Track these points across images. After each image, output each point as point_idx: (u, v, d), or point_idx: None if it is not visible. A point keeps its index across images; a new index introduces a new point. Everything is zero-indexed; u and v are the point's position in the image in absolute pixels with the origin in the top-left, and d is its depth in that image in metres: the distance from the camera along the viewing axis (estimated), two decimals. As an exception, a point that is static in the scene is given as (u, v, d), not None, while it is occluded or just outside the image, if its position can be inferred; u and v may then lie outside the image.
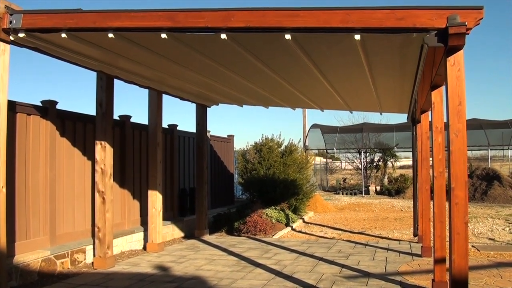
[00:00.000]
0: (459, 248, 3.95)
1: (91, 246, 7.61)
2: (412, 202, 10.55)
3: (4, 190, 5.32)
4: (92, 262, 7.43)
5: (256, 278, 6.52)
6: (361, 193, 24.86)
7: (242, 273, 6.85)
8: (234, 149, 15.87)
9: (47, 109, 7.16)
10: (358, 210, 16.74)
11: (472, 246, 8.90)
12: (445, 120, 4.47)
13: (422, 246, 7.77)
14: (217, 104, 11.15)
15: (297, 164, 14.43)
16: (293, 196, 13.89)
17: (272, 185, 13.38)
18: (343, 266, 7.20)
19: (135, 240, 8.97)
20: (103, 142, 7.45)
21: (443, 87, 5.15)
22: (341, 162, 39.70)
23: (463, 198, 4.04)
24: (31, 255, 6.49)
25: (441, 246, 5.50)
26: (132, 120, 9.43)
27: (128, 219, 9.14)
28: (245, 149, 15.13)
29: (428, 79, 5.87)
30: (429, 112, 7.10)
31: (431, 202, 6.66)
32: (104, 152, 7.44)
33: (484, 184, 20.97)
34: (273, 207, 12.58)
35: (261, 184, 13.52)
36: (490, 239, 9.93)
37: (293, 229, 11.90)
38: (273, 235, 10.80)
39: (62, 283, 6.36)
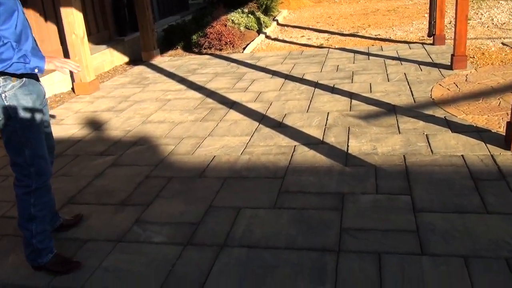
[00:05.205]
0: None
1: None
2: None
3: None
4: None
5: (231, 132, 4.42)
6: (334, -21, 21.67)
7: (211, 122, 4.71)
8: None
9: None
10: (339, 1, 14.09)
11: (503, 44, 6.84)
12: None
13: (453, 55, 5.62)
14: None
15: None
16: (262, -8, 11.07)
17: (235, -20, 10.44)
18: (351, 96, 5.10)
19: (58, 81, 6.51)
20: None
21: None
22: None
23: None
24: None
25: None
26: None
27: (44, 52, 6.50)
28: None
29: None
30: None
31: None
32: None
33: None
34: (239, 10, 9.90)
35: (220, -21, 10.54)
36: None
37: (267, 37, 9.47)
38: (243, 48, 8.44)
39: None
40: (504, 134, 3.70)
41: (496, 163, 3.34)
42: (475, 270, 2.31)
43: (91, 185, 3.66)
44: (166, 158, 3.98)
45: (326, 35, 9.00)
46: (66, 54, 6.60)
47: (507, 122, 3.60)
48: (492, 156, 3.44)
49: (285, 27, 10.48)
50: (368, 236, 2.65)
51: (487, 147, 3.58)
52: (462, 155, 3.49)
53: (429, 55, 6.44)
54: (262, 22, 9.98)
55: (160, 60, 7.99)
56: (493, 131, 3.85)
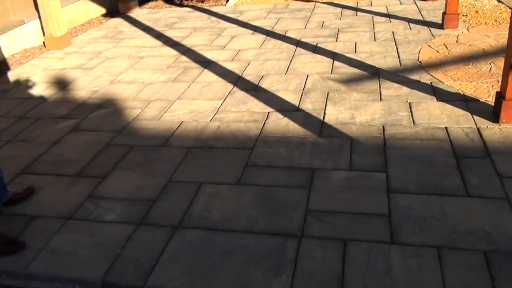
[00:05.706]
0: None
1: None
2: None
3: None
4: None
5: (203, 95, 4.12)
6: None
7: (182, 84, 4.40)
8: None
9: None
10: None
11: (499, 1, 6.44)
12: None
13: (444, 13, 5.25)
14: None
15: None
16: None
17: None
18: (334, 56, 4.78)
19: (28, 34, 6.08)
20: None
21: None
22: None
23: None
24: None
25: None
26: None
27: (12, 3, 6.06)
28: None
29: None
30: None
31: None
32: None
33: None
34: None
35: None
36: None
37: (253, -12, 8.96)
38: (227, 0, 7.97)
39: None
40: (493, 104, 3.44)
41: (482, 137, 3.10)
42: (448, 263, 2.11)
43: (48, 153, 3.40)
44: (130, 123, 3.71)
45: (315, -13, 8.50)
46: (37, 7, 6.16)
47: (497, 92, 3.33)
48: (478, 129, 3.20)
49: (274, -22, 9.91)
50: (334, 220, 2.43)
51: (474, 119, 3.33)
52: (445, 128, 3.25)
53: (420, 11, 6.06)
54: (250, -28, 9.41)
55: (138, 13, 7.54)
56: (481, 100, 3.59)
